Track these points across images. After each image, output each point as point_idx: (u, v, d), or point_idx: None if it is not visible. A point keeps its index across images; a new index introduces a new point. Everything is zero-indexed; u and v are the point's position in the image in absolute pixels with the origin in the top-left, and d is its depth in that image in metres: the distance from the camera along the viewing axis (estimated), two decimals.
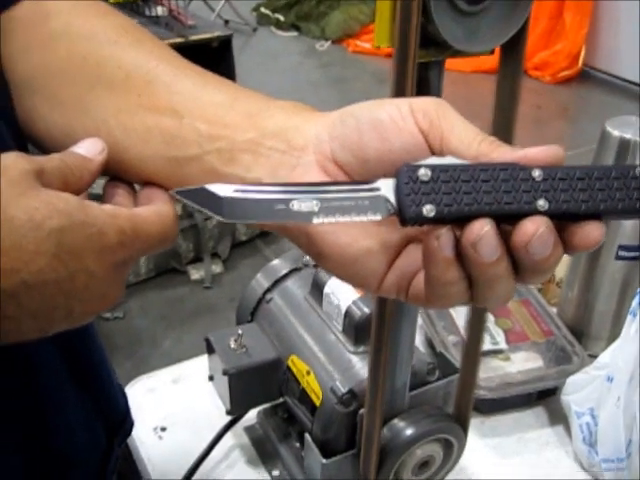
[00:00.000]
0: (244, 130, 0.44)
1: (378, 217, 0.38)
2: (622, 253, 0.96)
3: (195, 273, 2.82)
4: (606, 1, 4.84)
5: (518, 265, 0.39)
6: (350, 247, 0.42)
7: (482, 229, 0.37)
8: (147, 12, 2.80)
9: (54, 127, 0.48)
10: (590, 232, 0.38)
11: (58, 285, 0.37)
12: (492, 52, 0.53)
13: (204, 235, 2.76)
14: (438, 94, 0.55)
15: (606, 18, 4.88)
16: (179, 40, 2.62)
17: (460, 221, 0.37)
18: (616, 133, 0.91)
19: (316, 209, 0.38)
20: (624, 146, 0.90)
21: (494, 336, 1.00)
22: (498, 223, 0.37)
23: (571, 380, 0.91)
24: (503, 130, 0.57)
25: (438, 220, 0.37)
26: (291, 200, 0.38)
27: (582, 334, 1.04)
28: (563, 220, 0.38)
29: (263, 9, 6.23)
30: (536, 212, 0.37)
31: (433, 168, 0.37)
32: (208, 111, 0.45)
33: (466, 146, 0.39)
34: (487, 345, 0.99)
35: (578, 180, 0.38)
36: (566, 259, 1.08)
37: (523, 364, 0.98)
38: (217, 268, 2.85)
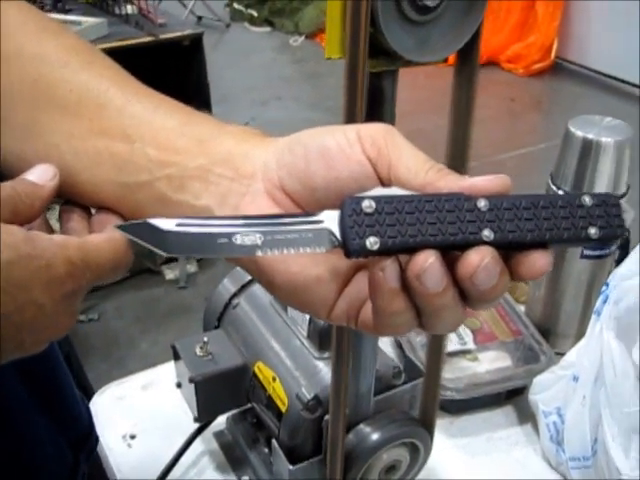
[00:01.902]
0: (194, 156, 0.44)
1: (322, 250, 0.38)
2: (587, 252, 0.97)
3: (170, 273, 2.81)
4: None
5: (465, 294, 0.38)
6: (300, 275, 0.42)
7: (426, 261, 0.37)
8: (117, 11, 2.78)
9: (6, 151, 0.47)
10: (536, 261, 0.38)
11: (7, 318, 0.37)
12: (446, 61, 0.53)
13: None
14: (392, 103, 0.54)
15: (577, 10, 4.91)
16: (149, 39, 2.60)
17: (405, 252, 0.37)
18: (579, 133, 0.91)
19: (259, 242, 0.38)
20: (587, 146, 0.91)
21: (462, 336, 1.01)
22: (444, 253, 0.37)
23: (538, 380, 0.92)
24: (460, 137, 0.57)
25: (382, 252, 0.37)
26: (234, 234, 0.38)
27: (550, 332, 1.04)
28: (509, 249, 0.38)
29: (236, 5, 6.21)
30: (481, 242, 0.37)
31: (377, 200, 0.37)
32: (159, 136, 0.45)
33: (414, 174, 0.39)
34: (455, 345, 1.00)
35: (524, 209, 0.38)
36: None
37: (491, 364, 0.99)
38: (192, 268, 2.84)
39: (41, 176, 0.43)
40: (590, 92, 4.66)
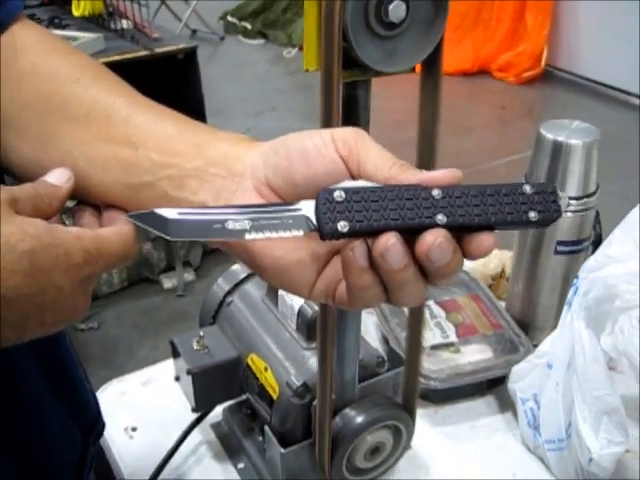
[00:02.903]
0: (192, 158, 0.50)
1: (301, 233, 0.45)
2: (561, 248, 1.02)
3: (168, 282, 2.86)
4: (566, 1, 4.94)
5: (425, 271, 0.45)
6: (283, 259, 0.48)
7: (388, 241, 0.43)
8: (112, 26, 2.84)
9: (25, 159, 0.54)
10: (483, 241, 0.44)
11: (31, 299, 0.43)
12: (413, 70, 0.59)
13: (175, 244, 2.81)
14: (366, 110, 0.60)
15: (566, 18, 4.98)
16: (144, 53, 2.67)
17: (371, 235, 0.44)
18: (549, 136, 0.97)
19: (248, 227, 0.45)
20: (557, 148, 0.97)
21: (445, 330, 1.06)
22: (404, 236, 0.44)
23: (516, 369, 0.97)
24: (427, 138, 0.63)
25: (352, 234, 0.43)
26: (227, 220, 0.45)
27: (529, 326, 1.10)
28: (460, 232, 0.44)
29: (230, 18, 6.28)
30: (436, 225, 0.43)
31: (347, 190, 0.44)
32: (160, 142, 0.51)
33: (379, 169, 0.46)
34: (438, 339, 1.05)
35: (472, 197, 0.44)
36: (510, 256, 1.14)
37: (473, 355, 1.04)
38: (189, 276, 2.90)
39: (58, 178, 0.49)
40: (580, 99, 4.72)
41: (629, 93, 4.58)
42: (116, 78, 0.56)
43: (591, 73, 4.83)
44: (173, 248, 2.82)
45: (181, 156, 0.50)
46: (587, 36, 4.82)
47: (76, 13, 2.90)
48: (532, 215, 0.45)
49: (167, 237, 0.44)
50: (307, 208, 0.45)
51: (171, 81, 2.78)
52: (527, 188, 0.45)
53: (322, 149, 0.47)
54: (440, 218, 0.43)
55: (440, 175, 0.45)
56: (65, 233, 0.44)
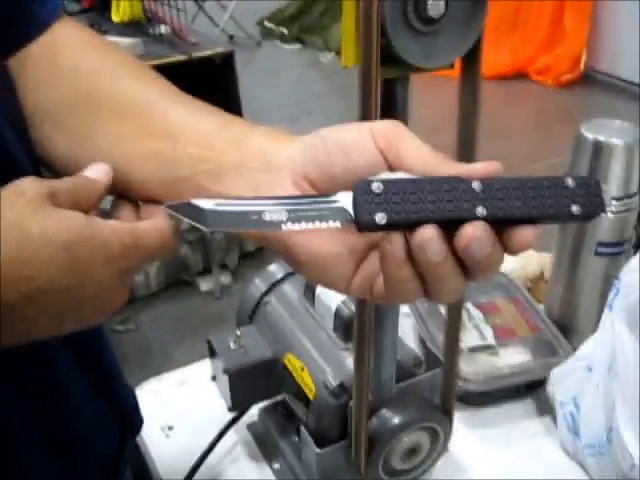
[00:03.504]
0: (229, 153, 0.50)
1: (338, 224, 0.44)
2: (601, 249, 1.01)
3: (204, 285, 2.88)
4: (606, 1, 4.88)
5: (464, 265, 0.44)
6: (321, 253, 0.48)
7: (427, 234, 0.42)
8: (151, 31, 2.87)
9: (63, 153, 0.54)
10: (524, 235, 0.43)
11: (69, 291, 0.43)
12: (452, 66, 0.59)
13: (212, 247, 2.82)
14: (405, 107, 0.60)
15: (606, 20, 4.93)
16: (182, 57, 2.69)
17: (409, 227, 0.43)
18: (590, 136, 0.96)
19: (285, 218, 0.44)
20: (598, 148, 0.95)
21: (483, 332, 1.05)
22: (444, 228, 0.43)
23: (555, 372, 0.96)
24: (467, 137, 0.62)
25: (390, 227, 0.43)
26: (263, 211, 0.44)
27: (568, 329, 1.08)
28: (501, 225, 0.44)
29: (267, 23, 6.32)
30: (476, 218, 0.43)
31: (385, 182, 0.43)
32: (198, 137, 0.51)
33: (418, 162, 0.45)
34: (476, 341, 1.04)
35: (513, 190, 0.43)
36: (550, 258, 1.13)
37: (511, 358, 1.03)
38: (226, 279, 2.91)
39: (97, 173, 0.49)
40: (620, 102, 4.66)
41: None
42: (155, 74, 0.57)
43: (631, 76, 4.77)
44: (210, 251, 2.84)
45: (219, 150, 0.50)
46: (627, 38, 4.75)
47: (115, 19, 2.93)
48: (575, 209, 0.44)
49: (203, 227, 0.44)
50: (345, 200, 0.44)
51: (208, 86, 2.79)
52: (569, 181, 0.44)
53: (360, 142, 0.47)
54: (480, 211, 0.43)
55: (480, 167, 0.44)
56: (103, 226, 0.45)
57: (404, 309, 1.10)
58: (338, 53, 5.67)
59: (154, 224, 0.48)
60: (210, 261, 2.87)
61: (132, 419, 0.72)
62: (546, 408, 1.00)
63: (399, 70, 0.57)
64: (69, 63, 0.55)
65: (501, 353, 1.04)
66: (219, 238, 2.84)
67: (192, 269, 2.86)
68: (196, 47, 2.79)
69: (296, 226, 0.44)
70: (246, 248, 2.98)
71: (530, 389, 1.03)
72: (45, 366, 0.57)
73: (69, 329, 0.46)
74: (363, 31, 0.53)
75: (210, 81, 2.83)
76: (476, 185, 0.43)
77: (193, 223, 0.44)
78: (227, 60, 2.84)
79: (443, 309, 1.09)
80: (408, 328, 1.10)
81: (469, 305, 1.10)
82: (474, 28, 0.55)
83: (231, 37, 5.94)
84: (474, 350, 1.03)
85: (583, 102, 4.85)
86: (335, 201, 0.45)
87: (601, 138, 0.95)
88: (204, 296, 2.85)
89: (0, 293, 0.40)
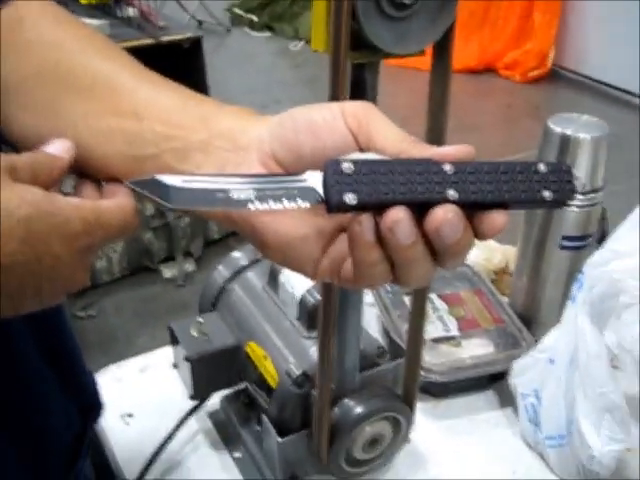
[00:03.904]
0: (196, 131, 0.49)
1: (307, 204, 0.43)
2: (566, 243, 1.01)
3: (168, 272, 2.85)
4: (575, 1, 4.92)
5: (434, 249, 0.43)
6: (289, 235, 0.47)
7: (397, 215, 0.41)
8: (119, 13, 2.83)
9: (26, 129, 0.52)
10: (496, 219, 0.43)
11: (27, 266, 0.42)
12: (423, 53, 0.58)
13: (176, 234, 2.80)
14: (374, 92, 0.59)
15: (575, 18, 4.97)
16: (150, 41, 2.65)
17: (379, 209, 0.42)
18: (557, 130, 0.96)
19: (252, 197, 0.43)
20: (565, 142, 0.95)
21: (447, 324, 1.05)
22: (414, 211, 0.42)
23: (517, 364, 0.96)
24: (437, 126, 0.62)
25: (360, 207, 0.42)
26: (231, 190, 0.43)
27: (531, 321, 1.09)
28: (472, 209, 0.43)
29: (237, 10, 6.27)
30: (447, 201, 0.42)
31: (355, 162, 0.42)
32: (165, 114, 0.50)
33: (390, 143, 0.44)
34: (440, 332, 1.04)
35: (485, 174, 0.43)
36: (514, 251, 1.13)
37: (474, 350, 1.03)
38: (190, 267, 2.88)
39: (58, 148, 0.48)
40: (586, 99, 4.71)
41: (635, 94, 4.57)
42: (120, 50, 0.55)
43: (598, 73, 4.82)
44: (174, 238, 2.81)
45: (186, 129, 0.49)
46: (594, 36, 4.80)
47: (83, 0, 2.89)
48: (547, 194, 0.44)
49: (167, 205, 0.42)
50: (314, 179, 0.43)
51: (176, 70, 2.76)
52: (542, 167, 0.44)
53: (331, 122, 0.46)
54: (451, 194, 0.42)
55: (452, 150, 0.44)
56: (64, 202, 0.43)
57: (369, 299, 1.09)
58: (308, 42, 5.65)
59: (117, 202, 0.47)
60: (174, 248, 2.84)
61: (93, 404, 0.70)
62: (508, 400, 1.01)
63: (369, 55, 0.56)
64: (35, 35, 0.53)
65: (464, 344, 1.04)
66: (183, 224, 2.81)
67: (156, 256, 2.84)
68: (164, 31, 2.77)
69: (264, 205, 0.43)
70: (211, 236, 2.96)
71: (493, 381, 1.03)
72: (4, 350, 0.56)
73: (28, 308, 0.44)
74: (334, 15, 0.52)
75: (178, 66, 2.80)
76: (448, 168, 0.42)
77: (157, 200, 0.42)
78: (195, 45, 2.82)
79: (407, 300, 1.09)
80: (372, 318, 1.10)
81: (433, 296, 1.10)
82: (446, 15, 0.55)
83: (200, 23, 5.88)
84: (437, 341, 1.03)
85: (550, 98, 4.89)
86: (304, 180, 0.43)
87: (568, 132, 0.95)
88: (167, 283, 2.83)
89: None
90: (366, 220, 0.42)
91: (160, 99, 0.51)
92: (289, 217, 0.47)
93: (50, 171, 0.46)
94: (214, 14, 5.93)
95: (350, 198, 0.41)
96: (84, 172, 0.51)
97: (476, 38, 5.23)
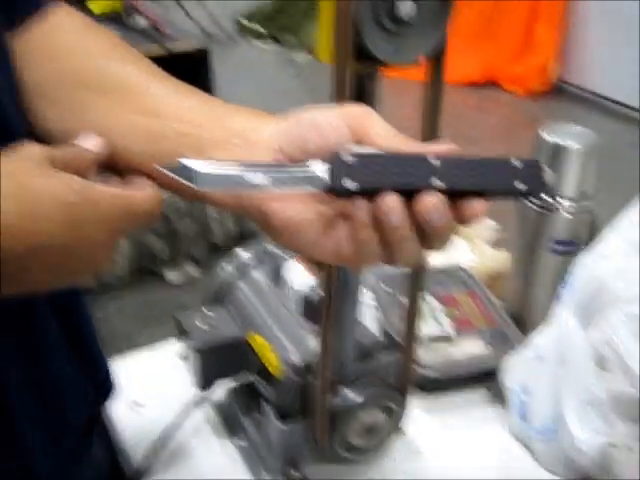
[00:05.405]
0: (212, 129, 0.55)
1: (313, 189, 0.50)
2: (556, 247, 1.06)
3: (171, 275, 2.90)
4: (578, 14, 4.97)
5: (421, 231, 0.49)
6: (294, 219, 0.53)
7: (390, 199, 0.48)
8: (129, 23, 2.89)
9: (55, 126, 0.59)
10: (476, 206, 0.49)
11: (66, 247, 0.48)
12: (417, 63, 0.63)
13: (180, 238, 2.85)
14: (373, 99, 0.65)
15: (577, 33, 5.01)
16: (160, 51, 2.72)
17: (375, 194, 0.48)
18: (549, 139, 1.01)
19: (266, 182, 0.49)
20: (556, 151, 1.01)
21: (441, 323, 1.10)
22: (405, 197, 0.49)
23: (507, 361, 1.01)
24: (430, 130, 0.67)
25: (359, 192, 0.48)
26: (248, 174, 0.49)
27: (524, 322, 1.13)
28: (455, 197, 0.49)
29: (243, 20, 6.33)
30: (433, 188, 0.49)
31: (354, 154, 0.49)
32: (183, 114, 0.56)
33: (384, 140, 0.51)
34: (435, 331, 1.09)
35: (467, 167, 0.50)
36: (508, 256, 1.18)
37: (467, 348, 1.08)
38: (193, 271, 2.93)
39: (89, 143, 0.53)
40: (588, 114, 4.74)
41: (636, 109, 4.61)
42: (141, 55, 0.61)
43: (600, 88, 4.86)
44: (178, 242, 2.86)
45: (203, 127, 0.55)
46: (597, 52, 4.85)
47: (95, 10, 2.95)
48: (520, 186, 0.50)
49: (194, 186, 0.48)
50: (319, 168, 0.49)
51: (185, 79, 2.83)
52: (516, 162, 0.50)
53: (333, 121, 0.51)
54: (438, 183, 0.48)
55: (438, 148, 0.50)
56: (100, 190, 0.49)
57: (367, 300, 1.14)
58: (312, 53, 5.72)
59: (145, 192, 0.53)
60: (177, 252, 2.89)
61: (107, 384, 0.75)
62: (499, 397, 1.05)
63: (370, 65, 0.61)
64: (65, 43, 0.59)
65: (458, 343, 1.09)
66: (187, 230, 2.86)
67: (159, 260, 2.89)
68: (174, 41, 2.83)
69: (277, 189, 0.49)
70: (214, 241, 3.01)
71: (485, 378, 1.08)
72: (31, 328, 0.61)
73: (61, 284, 0.50)
74: (337, 29, 0.57)
75: (186, 75, 2.86)
76: (434, 161, 0.49)
77: (184, 181, 0.48)
78: (204, 55, 2.88)
79: (404, 300, 1.14)
80: (370, 317, 1.14)
81: (429, 297, 1.15)
82: (440, 28, 0.60)
83: (207, 33, 5.94)
84: (433, 340, 1.08)
85: (552, 112, 4.93)
86: (312, 169, 0.50)
87: (560, 141, 1.01)
88: (170, 287, 2.88)
89: (10, 244, 0.44)
90: (363, 204, 0.49)
91: (179, 100, 0.57)
92: (295, 203, 0.52)
93: (83, 162, 0.52)
94: (221, 24, 6.00)
95: (349, 184, 0.48)
96: (109, 166, 0.56)
97: (479, 51, 5.28)
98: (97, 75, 0.58)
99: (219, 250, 3.02)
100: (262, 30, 6.20)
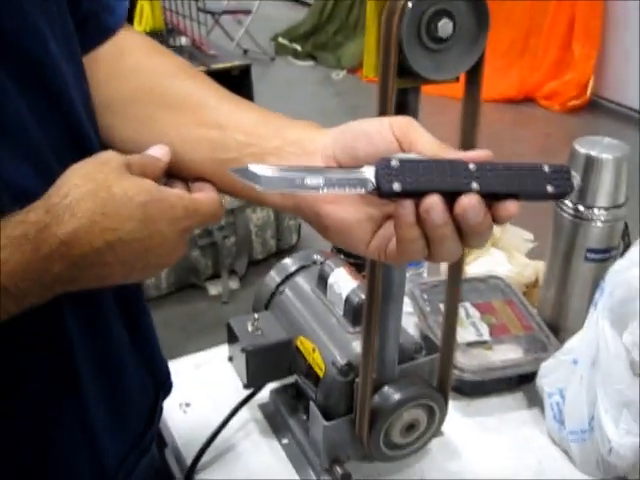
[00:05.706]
0: (271, 140, 0.61)
1: (363, 191, 0.55)
2: (591, 255, 1.10)
3: (213, 289, 2.97)
4: (614, 30, 4.98)
5: (461, 230, 0.54)
6: (346, 220, 0.58)
7: (433, 200, 0.53)
8: (172, 42, 2.98)
9: (127, 139, 0.65)
10: (509, 207, 0.54)
11: (141, 243, 0.53)
12: (457, 80, 0.68)
13: (222, 252, 2.92)
14: (415, 113, 0.69)
15: (614, 49, 5.02)
16: (202, 69, 2.79)
17: (419, 195, 0.53)
18: (582, 151, 1.05)
19: (322, 184, 0.54)
20: (589, 162, 1.04)
21: (479, 329, 1.14)
22: (446, 199, 0.53)
23: (543, 365, 1.04)
24: (468, 143, 0.71)
25: (403, 194, 0.53)
26: (305, 177, 0.54)
27: (559, 329, 1.17)
28: (490, 199, 0.54)
29: (281, 39, 6.44)
30: (471, 191, 0.53)
31: (401, 159, 0.54)
32: (245, 126, 0.62)
33: (427, 147, 0.56)
34: (473, 337, 1.13)
35: (501, 171, 0.54)
36: (543, 265, 1.22)
37: (504, 354, 1.11)
38: (234, 284, 3.00)
39: (159, 152, 0.59)
40: (625, 129, 4.73)
41: None
42: (203, 75, 0.67)
43: (635, 103, 4.86)
44: (220, 256, 2.93)
45: (263, 137, 0.60)
46: (634, 67, 4.85)
47: (138, 29, 3.04)
48: (549, 189, 0.55)
49: (258, 187, 0.53)
50: (369, 172, 0.54)
51: None
52: (546, 167, 0.55)
53: (381, 131, 0.57)
54: (474, 185, 0.53)
55: (476, 153, 0.55)
56: (171, 192, 0.55)
57: (408, 308, 1.18)
58: (350, 71, 5.78)
59: (208, 195, 0.59)
60: (220, 266, 2.96)
61: (165, 380, 0.81)
62: (535, 401, 1.09)
63: (412, 81, 0.66)
64: (132, 64, 0.65)
65: (495, 348, 1.12)
66: (229, 244, 2.93)
67: (202, 273, 2.96)
68: (214, 59, 2.91)
69: (330, 190, 0.54)
70: (255, 256, 3.08)
71: (521, 382, 1.11)
72: (101, 320, 0.67)
73: (136, 277, 0.55)
74: (383, 47, 0.62)
75: None
76: (472, 166, 0.54)
77: (250, 184, 0.53)
78: (244, 73, 2.96)
79: (442, 307, 1.18)
80: (411, 324, 1.18)
81: (467, 305, 1.19)
82: (478, 46, 0.64)
83: (245, 51, 6.06)
84: (471, 345, 1.12)
85: (588, 128, 4.93)
86: (361, 172, 0.55)
87: (592, 153, 1.04)
88: (212, 300, 2.94)
89: (91, 239, 0.50)
90: (408, 204, 0.53)
91: (240, 113, 0.62)
92: (346, 205, 0.58)
93: (154, 169, 0.57)
94: (259, 43, 6.11)
95: (396, 186, 0.53)
96: (175, 173, 0.62)
97: (516, 68, 5.32)
98: (164, 92, 0.64)
99: (258, 264, 3.09)
100: (299, 48, 6.29)
